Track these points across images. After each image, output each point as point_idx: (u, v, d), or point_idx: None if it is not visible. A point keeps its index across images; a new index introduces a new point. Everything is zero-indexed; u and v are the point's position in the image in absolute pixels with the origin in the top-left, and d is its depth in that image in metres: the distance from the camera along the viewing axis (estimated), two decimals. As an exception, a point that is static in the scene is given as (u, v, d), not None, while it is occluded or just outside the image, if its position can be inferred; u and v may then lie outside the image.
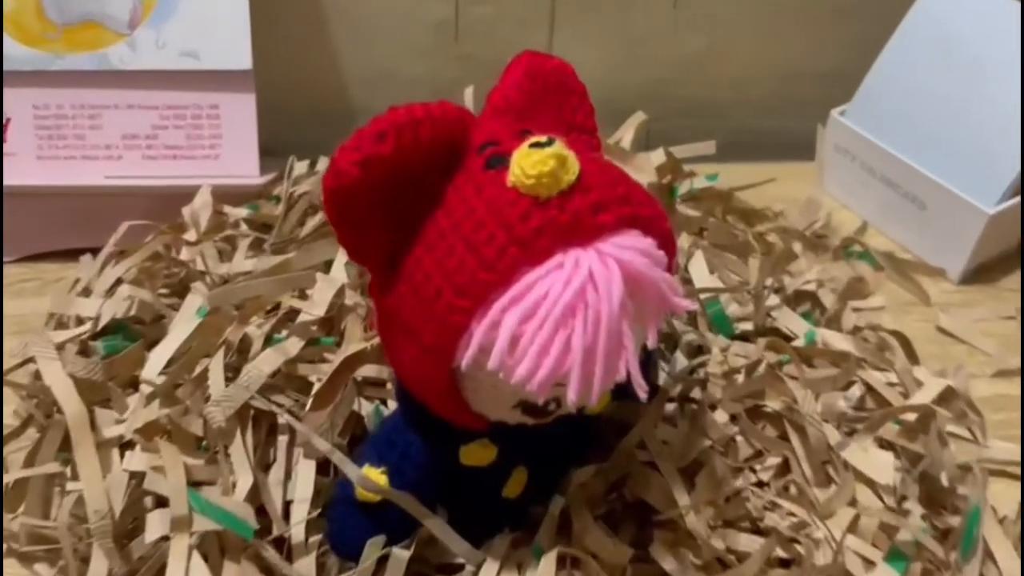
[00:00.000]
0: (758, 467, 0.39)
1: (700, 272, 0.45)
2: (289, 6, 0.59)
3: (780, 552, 0.36)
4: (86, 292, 0.45)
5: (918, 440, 0.39)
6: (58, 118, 0.54)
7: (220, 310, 0.42)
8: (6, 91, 0.53)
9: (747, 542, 0.36)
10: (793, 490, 0.38)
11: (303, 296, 0.43)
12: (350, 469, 0.35)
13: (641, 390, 0.31)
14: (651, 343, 0.32)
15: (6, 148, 0.53)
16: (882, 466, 0.36)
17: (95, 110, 0.54)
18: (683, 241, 0.46)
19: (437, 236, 0.30)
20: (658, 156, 0.50)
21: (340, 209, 0.29)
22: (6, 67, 0.52)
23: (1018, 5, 0.54)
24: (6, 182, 0.53)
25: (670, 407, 0.42)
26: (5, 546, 0.39)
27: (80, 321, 0.43)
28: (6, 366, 0.43)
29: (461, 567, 0.38)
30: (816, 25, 0.66)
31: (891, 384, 0.42)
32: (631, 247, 0.30)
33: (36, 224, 0.54)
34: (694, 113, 0.67)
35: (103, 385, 0.41)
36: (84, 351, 0.43)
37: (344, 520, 0.37)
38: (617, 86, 0.65)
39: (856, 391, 0.41)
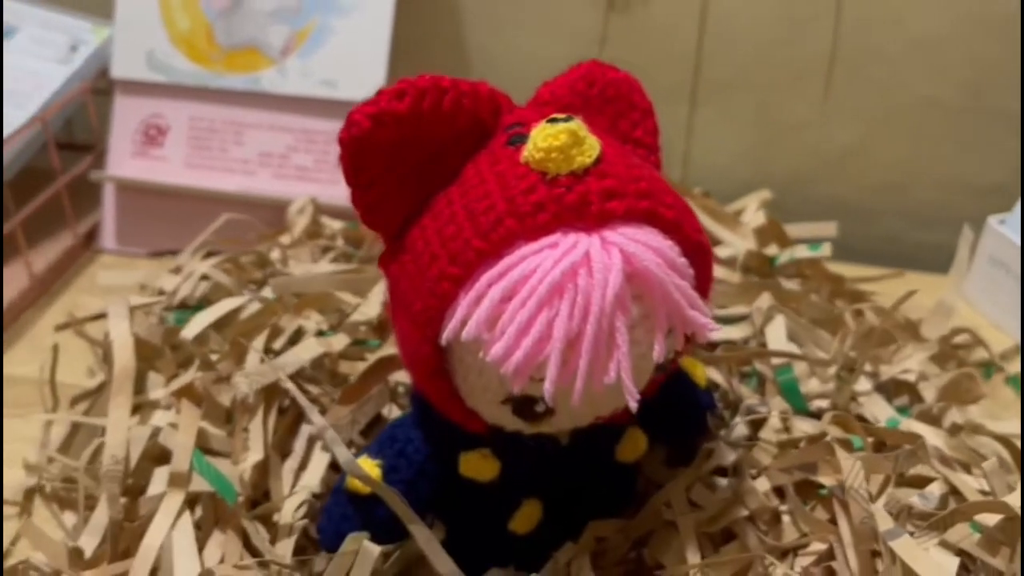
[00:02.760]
0: (800, 552, 0.34)
1: (777, 336, 0.40)
2: (432, 41, 0.62)
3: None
4: (176, 271, 0.48)
5: (1000, 554, 0.32)
6: (210, 131, 0.58)
7: (283, 299, 0.43)
8: (171, 101, 0.58)
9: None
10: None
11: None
12: (340, 451, 0.33)
13: (632, 398, 0.28)
14: (656, 356, 0.29)
15: (161, 152, 0.59)
16: (941, 567, 0.30)
17: (240, 127, 0.58)
18: (763, 302, 0.42)
19: (445, 205, 0.30)
20: (757, 218, 0.47)
21: (351, 163, 0.29)
22: (176, 80, 0.58)
23: None
24: (158, 180, 0.58)
25: (716, 474, 0.37)
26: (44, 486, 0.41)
27: (161, 293, 0.46)
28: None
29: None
30: (981, 132, 0.60)
31: (984, 493, 0.35)
32: (643, 241, 0.28)
33: (165, 223, 0.58)
34: (836, 214, 0.63)
35: (161, 349, 0.42)
36: (160, 321, 0.45)
37: (332, 510, 0.35)
38: (753, 173, 0.63)
39: (936, 490, 0.35)
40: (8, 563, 0.36)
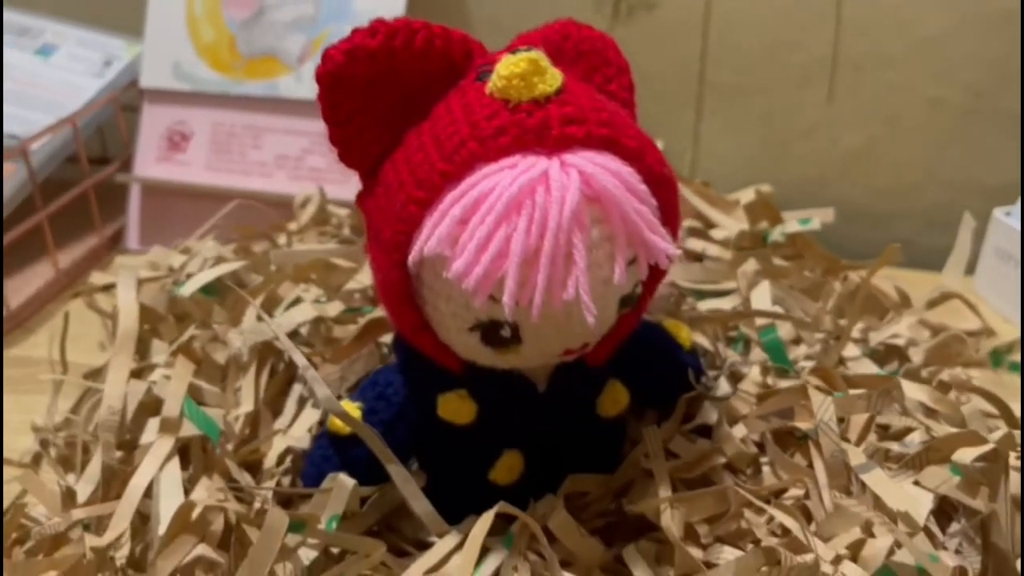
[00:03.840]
0: (779, 497, 0.34)
1: (762, 300, 0.40)
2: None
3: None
4: (185, 251, 0.50)
5: (980, 495, 0.31)
6: (230, 136, 0.61)
7: (282, 270, 0.44)
8: (194, 109, 0.61)
9: (731, 556, 0.31)
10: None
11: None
12: (320, 389, 0.34)
13: (589, 314, 0.28)
14: (617, 278, 0.29)
15: (185, 157, 0.62)
16: (913, 500, 0.30)
17: (259, 131, 0.61)
18: (749, 267, 0.42)
19: (414, 137, 0.31)
20: (747, 195, 0.48)
21: (327, 99, 0.31)
22: (202, 88, 0.61)
23: None
24: (181, 179, 0.60)
25: (696, 428, 0.37)
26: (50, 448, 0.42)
27: (171, 270, 0.48)
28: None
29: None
30: (987, 132, 0.60)
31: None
32: (602, 164, 0.29)
33: (188, 225, 0.60)
34: (847, 218, 0.63)
35: (165, 316, 0.44)
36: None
37: (314, 454, 0.36)
38: (761, 179, 0.63)
39: (916, 438, 0.34)
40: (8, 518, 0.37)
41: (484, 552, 0.34)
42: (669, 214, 0.32)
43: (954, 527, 0.32)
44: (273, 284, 0.43)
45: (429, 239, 0.29)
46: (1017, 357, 0.50)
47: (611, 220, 0.29)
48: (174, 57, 0.61)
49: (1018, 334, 0.52)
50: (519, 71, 0.29)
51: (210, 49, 0.61)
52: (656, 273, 0.33)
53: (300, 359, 0.34)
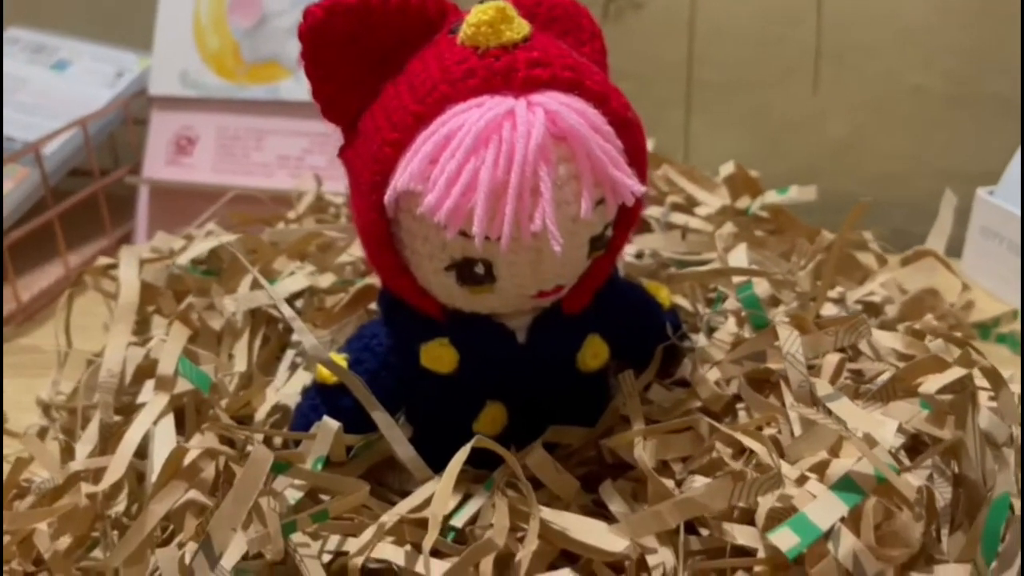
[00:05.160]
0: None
1: (739, 261, 0.41)
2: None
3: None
4: (187, 237, 0.52)
5: (947, 424, 0.32)
6: (234, 139, 0.63)
7: (278, 247, 0.46)
8: (200, 114, 0.64)
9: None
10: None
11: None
12: (306, 338, 0.35)
13: (556, 243, 0.30)
14: (583, 213, 0.31)
15: (191, 161, 0.64)
16: (879, 424, 0.30)
17: (261, 134, 0.63)
18: (726, 229, 0.43)
19: (391, 88, 0.33)
20: (727, 169, 0.49)
21: (310, 54, 0.33)
22: (207, 94, 0.64)
23: None
24: (188, 179, 0.63)
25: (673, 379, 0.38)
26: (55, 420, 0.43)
27: (172, 252, 0.49)
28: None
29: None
30: (972, 118, 0.62)
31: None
32: (567, 103, 0.30)
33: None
34: (838, 209, 0.64)
35: (165, 292, 0.45)
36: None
37: (302, 406, 0.37)
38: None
39: (887, 377, 0.35)
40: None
41: (466, 498, 0.35)
42: (636, 157, 0.33)
43: (927, 463, 0.33)
44: (269, 259, 0.45)
45: (402, 176, 0.30)
46: (1004, 330, 0.51)
47: (577, 158, 0.30)
48: (181, 65, 0.64)
49: (1007, 309, 0.53)
50: (487, 19, 0.31)
51: (216, 57, 0.64)
52: (627, 217, 0.34)
53: (287, 310, 0.36)
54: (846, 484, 0.27)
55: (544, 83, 0.31)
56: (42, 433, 0.44)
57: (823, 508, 0.27)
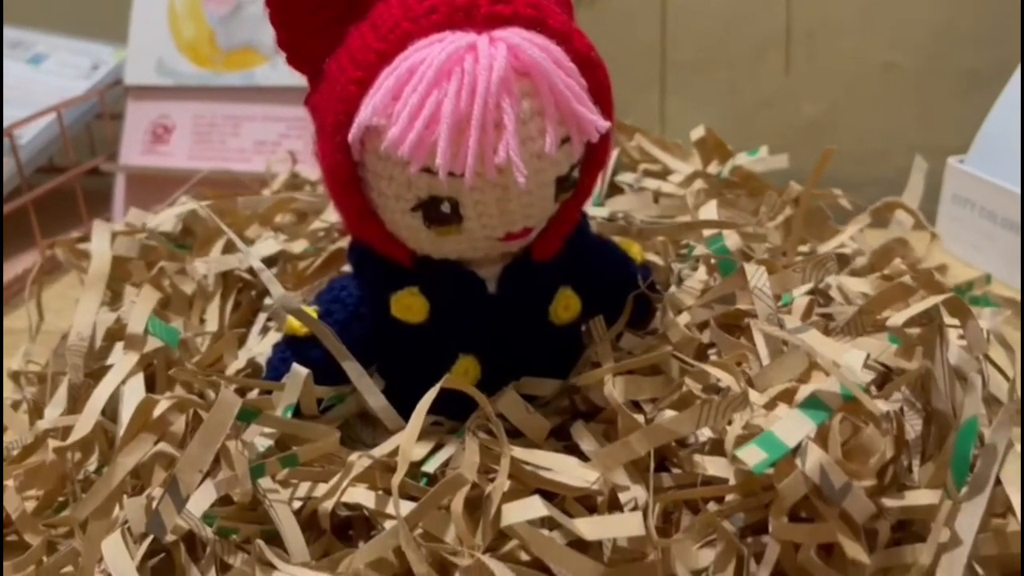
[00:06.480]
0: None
1: (709, 214, 0.42)
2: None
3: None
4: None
5: (915, 356, 0.32)
6: (210, 126, 0.64)
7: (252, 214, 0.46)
8: (176, 103, 0.64)
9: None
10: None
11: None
12: (275, 288, 0.35)
13: (520, 174, 0.30)
14: (548, 147, 0.31)
15: (167, 149, 0.64)
16: (847, 353, 0.30)
17: (238, 120, 0.63)
18: (696, 186, 0.43)
19: (355, 31, 0.33)
20: (698, 132, 0.49)
21: (275, 2, 0.33)
22: (183, 83, 0.64)
23: None
24: (162, 165, 0.63)
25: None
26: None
27: (144, 227, 0.49)
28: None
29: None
30: (943, 93, 0.62)
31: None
32: (528, 39, 0.31)
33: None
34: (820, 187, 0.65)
35: (138, 263, 0.45)
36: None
37: (273, 359, 0.37)
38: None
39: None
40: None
41: (439, 448, 0.35)
42: (600, 96, 0.33)
43: (896, 397, 0.33)
44: (242, 227, 0.45)
45: (365, 111, 0.30)
46: (977, 293, 0.51)
47: (540, 92, 0.30)
48: (157, 54, 0.64)
49: (979, 274, 0.53)
50: (449, -42, 0.31)
51: (191, 45, 0.64)
52: (594, 159, 0.34)
53: (257, 263, 0.36)
54: (813, 403, 0.27)
55: (506, 19, 0.31)
56: (15, 405, 0.44)
57: (791, 426, 0.27)
